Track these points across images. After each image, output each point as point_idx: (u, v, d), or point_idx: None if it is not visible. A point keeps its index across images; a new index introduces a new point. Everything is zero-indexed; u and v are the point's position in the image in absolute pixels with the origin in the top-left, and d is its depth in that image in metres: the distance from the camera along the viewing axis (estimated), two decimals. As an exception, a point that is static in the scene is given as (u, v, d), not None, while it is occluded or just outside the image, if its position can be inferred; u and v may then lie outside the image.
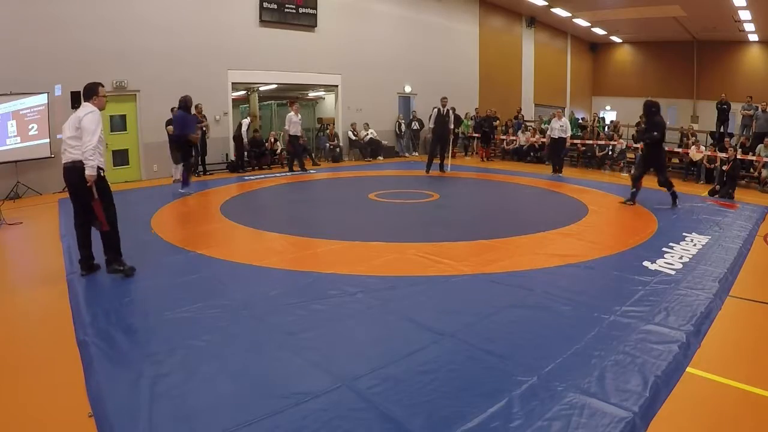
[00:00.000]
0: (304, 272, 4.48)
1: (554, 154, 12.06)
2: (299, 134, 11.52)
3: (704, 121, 17.79)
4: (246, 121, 11.69)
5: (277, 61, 12.60)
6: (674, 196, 7.80)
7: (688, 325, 3.40)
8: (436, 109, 11.37)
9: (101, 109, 4.39)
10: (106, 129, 9.86)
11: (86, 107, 4.26)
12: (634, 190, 7.87)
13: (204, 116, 10.82)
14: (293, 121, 11.23)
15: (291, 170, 11.56)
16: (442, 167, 11.41)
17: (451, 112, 11.30)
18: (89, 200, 4.23)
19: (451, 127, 11.52)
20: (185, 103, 8.77)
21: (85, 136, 4.10)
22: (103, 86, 4.46)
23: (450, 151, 11.48)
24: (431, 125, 11.51)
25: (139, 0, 10.13)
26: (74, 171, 4.20)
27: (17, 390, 2.68)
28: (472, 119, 16.13)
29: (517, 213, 7.20)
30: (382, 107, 15.04)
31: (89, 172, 4.12)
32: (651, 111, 7.76)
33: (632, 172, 8.26)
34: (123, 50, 9.86)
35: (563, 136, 11.65)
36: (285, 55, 12.68)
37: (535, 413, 2.37)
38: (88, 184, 4.13)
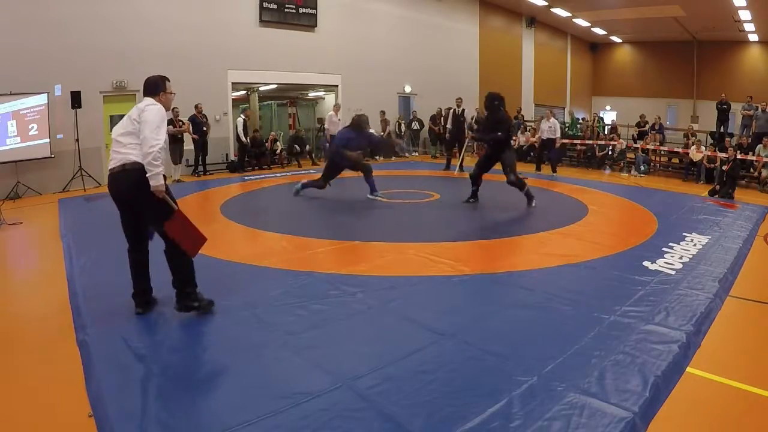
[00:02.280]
0: (304, 272, 4.48)
1: (541, 154, 12.31)
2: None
3: (704, 121, 17.78)
4: (240, 120, 11.59)
5: (277, 61, 12.61)
6: (528, 195, 7.19)
7: (688, 325, 3.39)
8: (451, 110, 11.76)
9: (168, 109, 3.58)
10: (106, 129, 9.95)
11: (148, 100, 3.40)
12: (474, 188, 7.50)
13: (204, 116, 10.83)
14: (333, 121, 11.57)
15: None
16: (450, 166, 11.54)
17: (468, 112, 11.64)
18: (154, 219, 3.33)
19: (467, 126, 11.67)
20: (359, 123, 7.77)
21: (146, 131, 3.15)
22: (169, 81, 3.55)
23: (462, 153, 11.53)
24: (449, 126, 11.77)
25: (139, 0, 10.13)
26: (124, 177, 3.23)
27: (17, 390, 2.68)
28: (472, 118, 16.16)
29: (517, 213, 7.20)
30: (382, 107, 15.04)
31: (155, 183, 3.15)
32: (493, 105, 7.02)
33: (471, 171, 7.54)
34: (123, 50, 9.87)
35: (551, 137, 11.73)
36: (285, 55, 12.69)
37: (535, 413, 2.37)
38: (156, 199, 3.22)
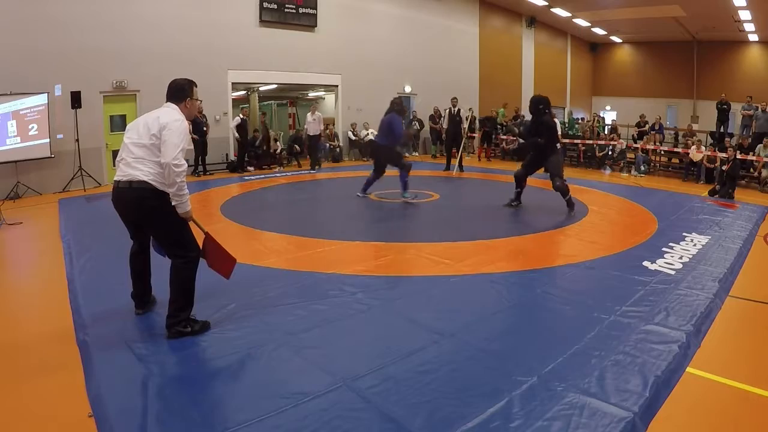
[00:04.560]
0: (304, 272, 4.48)
1: None
2: (316, 134, 11.92)
3: (704, 121, 17.79)
4: (237, 119, 11.53)
5: (277, 61, 12.61)
6: (570, 203, 6.97)
7: (688, 325, 3.40)
8: (447, 110, 11.87)
9: (191, 118, 3.29)
10: (106, 129, 9.94)
11: (171, 110, 3.10)
12: (518, 190, 7.32)
13: (204, 116, 10.82)
14: (309, 121, 11.76)
15: (313, 168, 12.00)
16: (450, 166, 11.56)
17: (464, 111, 11.66)
18: (159, 239, 3.23)
19: (465, 126, 11.64)
20: (399, 107, 8.04)
21: (168, 155, 2.90)
22: (196, 86, 3.27)
23: (459, 153, 11.51)
24: (444, 126, 11.88)
25: (139, 0, 10.13)
26: (129, 195, 3.02)
27: (17, 390, 2.68)
28: (466, 119, 16.19)
29: (517, 213, 7.20)
30: (382, 107, 14.97)
31: (182, 211, 3.04)
32: (538, 109, 6.84)
33: (516, 171, 7.38)
34: (123, 50, 9.86)
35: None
36: (285, 55, 12.69)
37: (535, 413, 2.37)
38: (162, 222, 3.09)
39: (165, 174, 2.94)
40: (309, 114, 11.94)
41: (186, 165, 2.99)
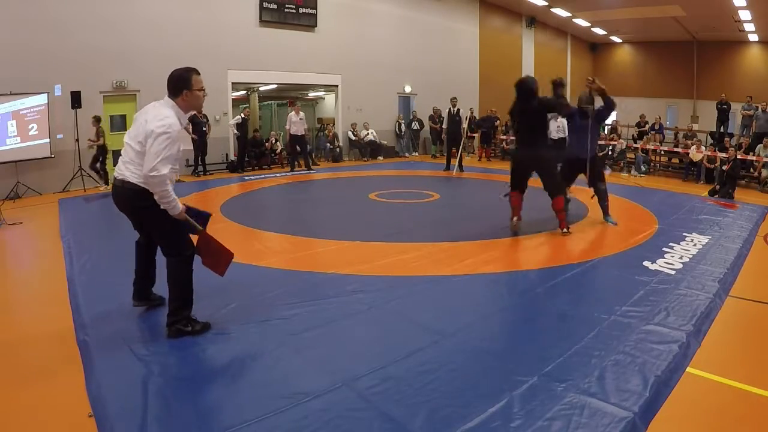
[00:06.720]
0: (304, 272, 4.48)
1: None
2: (301, 134, 11.57)
3: (704, 121, 17.78)
4: (239, 117, 11.52)
5: (277, 61, 12.62)
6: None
7: (688, 325, 3.39)
8: (447, 110, 11.83)
9: (195, 110, 3.22)
10: (106, 129, 9.94)
11: (162, 109, 2.98)
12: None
13: (205, 116, 10.82)
14: (293, 121, 11.41)
15: (292, 170, 11.72)
16: (450, 166, 11.55)
17: (463, 111, 11.65)
18: (154, 234, 3.26)
19: (464, 126, 11.63)
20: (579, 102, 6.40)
21: (147, 167, 2.84)
22: (199, 74, 3.07)
23: (459, 153, 11.48)
24: (444, 126, 11.88)
25: (139, 0, 10.13)
26: (121, 194, 3.07)
27: (17, 390, 2.68)
28: (466, 119, 16.20)
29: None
30: (382, 107, 15.05)
31: (173, 213, 3.01)
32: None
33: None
34: (123, 50, 9.87)
35: (563, 136, 11.57)
36: (285, 55, 12.69)
37: (535, 413, 2.37)
38: (154, 219, 3.08)
39: (148, 185, 2.93)
40: (293, 113, 11.46)
41: (166, 172, 2.88)
